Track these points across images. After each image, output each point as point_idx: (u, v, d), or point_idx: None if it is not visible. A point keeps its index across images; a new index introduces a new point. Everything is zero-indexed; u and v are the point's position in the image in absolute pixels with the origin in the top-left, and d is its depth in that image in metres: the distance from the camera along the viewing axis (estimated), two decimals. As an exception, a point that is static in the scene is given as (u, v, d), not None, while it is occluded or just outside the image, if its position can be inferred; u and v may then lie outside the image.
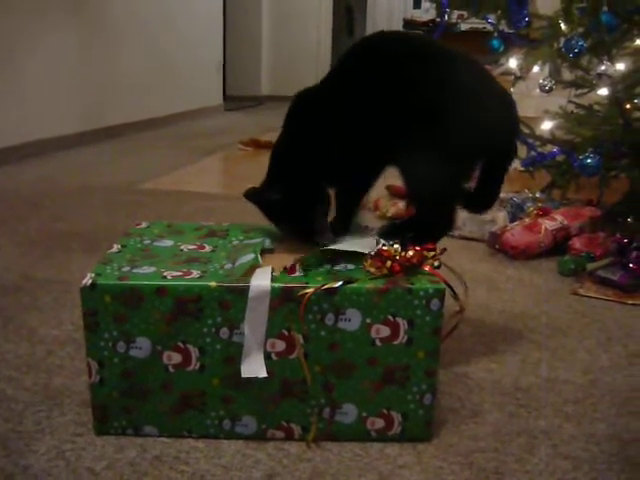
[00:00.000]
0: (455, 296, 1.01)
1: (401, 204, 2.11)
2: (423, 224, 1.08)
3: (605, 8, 1.66)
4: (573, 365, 1.23)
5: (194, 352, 0.92)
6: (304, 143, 1.09)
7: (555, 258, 1.82)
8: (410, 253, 0.92)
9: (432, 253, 0.95)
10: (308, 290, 0.88)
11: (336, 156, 1.06)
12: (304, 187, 1.08)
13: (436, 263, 0.95)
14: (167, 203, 2.44)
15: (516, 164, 1.94)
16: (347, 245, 0.98)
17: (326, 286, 0.88)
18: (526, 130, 2.07)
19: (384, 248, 0.93)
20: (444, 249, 1.00)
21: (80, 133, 3.66)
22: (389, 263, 0.91)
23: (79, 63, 3.64)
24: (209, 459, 0.91)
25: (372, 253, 0.94)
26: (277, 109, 6.13)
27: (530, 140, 2.05)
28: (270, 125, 4.88)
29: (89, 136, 3.73)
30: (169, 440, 0.95)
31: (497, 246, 1.90)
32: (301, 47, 6.99)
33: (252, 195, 1.10)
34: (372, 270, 0.92)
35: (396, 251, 0.93)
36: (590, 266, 1.70)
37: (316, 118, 1.08)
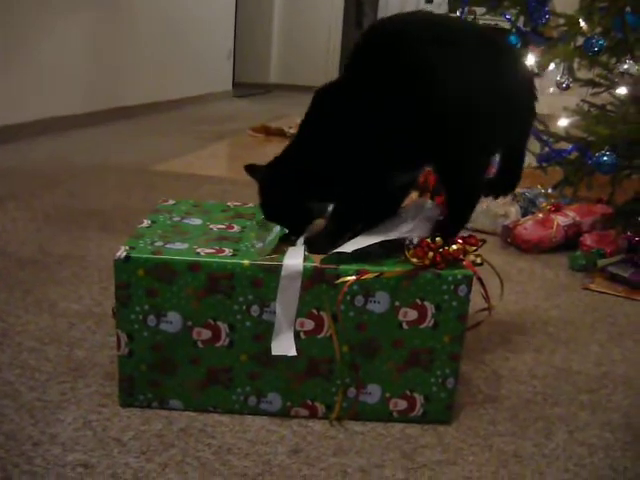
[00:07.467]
0: (486, 298, 1.03)
1: (414, 195, 2.13)
2: (458, 212, 1.06)
3: (629, 9, 1.67)
4: (586, 357, 1.26)
5: (224, 328, 0.93)
6: (315, 151, 1.01)
7: (566, 253, 1.85)
8: (454, 247, 0.92)
9: (474, 248, 0.95)
10: (349, 279, 0.89)
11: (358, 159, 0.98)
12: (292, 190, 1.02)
13: (478, 260, 0.95)
14: (180, 185, 2.45)
15: (530, 160, 1.96)
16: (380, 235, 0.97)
17: (364, 277, 0.90)
18: (541, 127, 2.09)
19: (428, 240, 0.93)
20: (484, 241, 0.99)
21: (91, 112, 3.66)
22: (431, 254, 0.91)
23: (94, 43, 3.64)
24: (234, 433, 0.93)
25: (415, 243, 0.94)
26: (285, 97, 6.10)
27: (545, 137, 2.07)
28: (279, 112, 4.89)
29: (100, 116, 3.73)
30: (194, 414, 0.97)
31: (509, 239, 1.93)
32: (311, 38, 7.00)
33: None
34: (414, 260, 0.92)
35: (438, 243, 0.93)
36: (601, 262, 1.72)
37: (337, 120, 0.99)
